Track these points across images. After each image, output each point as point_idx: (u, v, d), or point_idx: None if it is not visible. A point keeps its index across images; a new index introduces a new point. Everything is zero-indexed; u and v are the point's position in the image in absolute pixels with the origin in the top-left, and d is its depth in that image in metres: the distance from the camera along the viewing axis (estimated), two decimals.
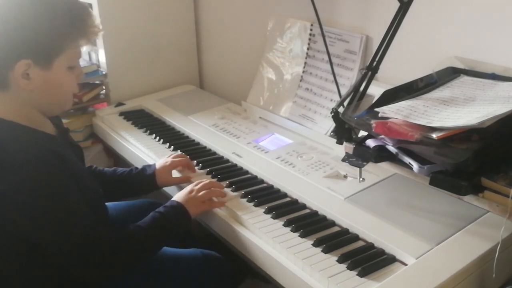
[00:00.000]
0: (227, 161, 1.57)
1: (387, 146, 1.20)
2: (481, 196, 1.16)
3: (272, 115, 1.79)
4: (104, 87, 2.09)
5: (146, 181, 1.47)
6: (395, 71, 1.48)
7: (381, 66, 1.29)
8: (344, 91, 1.49)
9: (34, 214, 1.08)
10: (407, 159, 1.19)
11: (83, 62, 2.03)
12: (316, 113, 1.68)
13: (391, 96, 1.26)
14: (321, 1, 1.53)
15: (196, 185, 1.34)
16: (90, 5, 1.95)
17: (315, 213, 1.26)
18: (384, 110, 1.18)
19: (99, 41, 1.99)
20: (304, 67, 1.76)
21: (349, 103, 1.30)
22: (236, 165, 1.54)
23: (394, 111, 1.16)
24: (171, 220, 1.26)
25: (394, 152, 1.21)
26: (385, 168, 1.33)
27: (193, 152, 1.63)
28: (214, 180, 1.43)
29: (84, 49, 1.21)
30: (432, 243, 1.07)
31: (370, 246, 1.12)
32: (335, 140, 1.33)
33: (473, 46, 1.34)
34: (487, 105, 1.12)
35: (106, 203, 1.40)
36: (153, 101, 2.08)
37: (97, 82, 2.07)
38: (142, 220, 1.23)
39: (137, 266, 1.22)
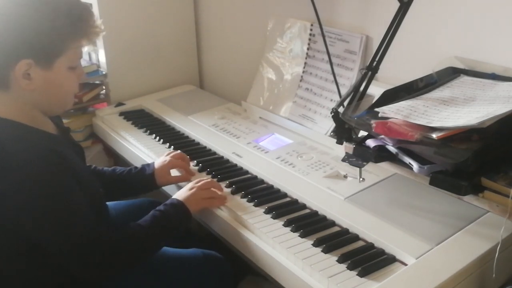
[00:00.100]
0: (227, 161, 1.57)
1: (387, 146, 1.20)
2: (481, 196, 1.16)
3: (272, 115, 1.79)
4: (104, 87, 2.09)
5: (145, 180, 1.47)
6: (395, 71, 1.48)
7: (381, 66, 1.29)
8: (344, 91, 1.49)
9: (34, 214, 1.08)
10: (407, 159, 1.19)
11: (83, 62, 2.02)
12: (316, 113, 1.68)
13: (391, 96, 1.26)
14: (321, 1, 1.53)
15: (196, 182, 1.35)
16: (90, 5, 1.95)
17: (315, 213, 1.26)
18: (384, 110, 1.18)
19: (99, 41, 1.99)
20: (304, 67, 1.76)
21: (349, 103, 1.30)
22: (236, 165, 1.54)
23: (394, 111, 1.16)
24: (172, 218, 1.26)
25: (394, 152, 1.21)
26: (385, 168, 1.33)
27: (193, 152, 1.63)
28: (214, 180, 1.43)
29: (85, 49, 1.21)
30: (432, 243, 1.07)
31: (370, 246, 1.12)
32: (335, 140, 1.32)
33: (473, 46, 1.34)
34: (487, 105, 1.12)
35: (106, 203, 1.40)
36: (153, 101, 2.08)
37: (97, 82, 2.07)
38: (143, 219, 1.23)
39: (137, 266, 1.22)
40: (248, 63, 2.04)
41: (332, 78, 1.54)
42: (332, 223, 1.21)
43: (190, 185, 1.35)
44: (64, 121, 1.46)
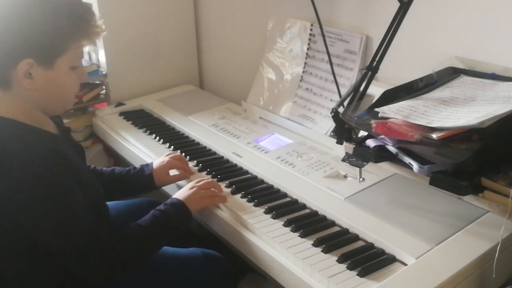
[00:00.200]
0: (227, 161, 1.57)
1: (387, 146, 1.20)
2: (481, 196, 1.16)
3: (272, 115, 1.79)
4: (104, 87, 2.10)
5: (144, 181, 1.47)
6: (395, 71, 1.48)
7: (381, 66, 1.29)
8: (344, 91, 1.49)
9: (35, 213, 1.08)
10: (407, 159, 1.19)
11: (83, 62, 2.02)
12: (316, 113, 1.68)
13: (391, 96, 1.26)
14: (321, 1, 1.53)
15: (197, 182, 1.35)
16: (90, 5, 1.94)
17: (315, 213, 1.26)
18: (384, 110, 1.18)
19: (99, 41, 1.99)
20: (304, 67, 1.76)
21: (349, 103, 1.30)
22: (236, 165, 1.54)
23: (394, 111, 1.16)
24: (172, 218, 1.26)
25: (394, 152, 1.21)
26: (385, 168, 1.33)
27: (193, 152, 1.63)
28: (214, 180, 1.43)
29: (87, 49, 1.21)
30: (432, 243, 1.07)
31: (370, 246, 1.12)
32: (335, 140, 1.32)
33: (473, 46, 1.34)
34: (487, 105, 1.12)
35: (106, 203, 1.40)
36: (153, 101, 2.09)
37: (97, 82, 2.07)
38: (143, 218, 1.23)
39: (137, 266, 1.22)
40: (248, 63, 2.04)
41: (332, 78, 1.54)
42: (332, 223, 1.21)
43: (190, 184, 1.35)
44: (64, 121, 1.46)
